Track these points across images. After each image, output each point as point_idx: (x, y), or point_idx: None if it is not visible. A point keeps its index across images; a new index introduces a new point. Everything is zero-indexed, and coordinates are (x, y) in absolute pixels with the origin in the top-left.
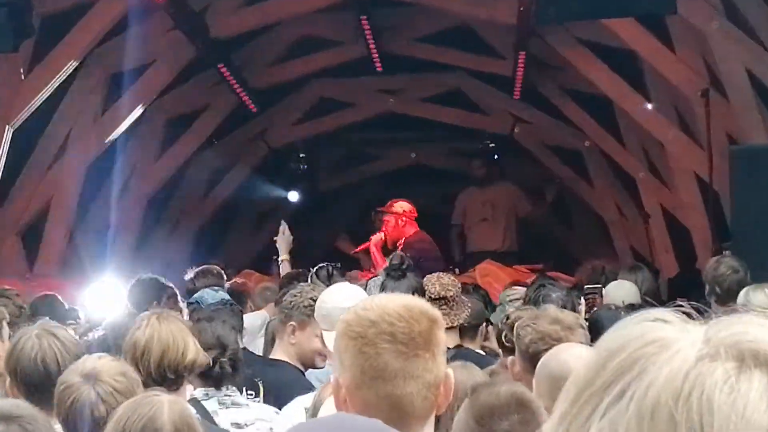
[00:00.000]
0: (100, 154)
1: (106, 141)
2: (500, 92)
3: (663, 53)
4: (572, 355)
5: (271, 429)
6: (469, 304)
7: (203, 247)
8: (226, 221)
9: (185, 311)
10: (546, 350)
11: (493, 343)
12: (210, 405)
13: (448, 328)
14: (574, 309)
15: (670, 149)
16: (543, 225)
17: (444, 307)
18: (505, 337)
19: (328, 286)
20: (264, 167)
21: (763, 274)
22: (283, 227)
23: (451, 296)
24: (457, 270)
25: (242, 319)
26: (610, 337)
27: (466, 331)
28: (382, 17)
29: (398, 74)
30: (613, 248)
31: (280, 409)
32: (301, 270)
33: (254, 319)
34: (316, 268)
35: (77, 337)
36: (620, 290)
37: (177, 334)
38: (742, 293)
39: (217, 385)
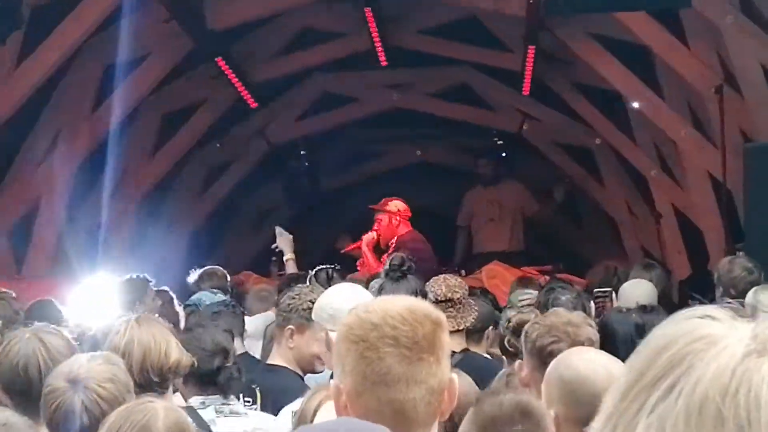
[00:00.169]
0: (92, 151)
1: (99, 137)
2: (508, 87)
3: (676, 48)
4: (583, 360)
5: None
6: (476, 307)
7: (200, 247)
8: (224, 221)
9: (182, 313)
10: (553, 343)
11: (496, 348)
12: (207, 414)
13: (455, 332)
14: (584, 311)
15: (683, 147)
16: (551, 225)
17: (450, 309)
18: (508, 341)
19: (327, 288)
20: (264, 165)
21: None
22: (279, 230)
23: (457, 298)
24: (462, 272)
25: (243, 321)
26: (658, 334)
27: (473, 334)
28: (386, 8)
29: (403, 68)
30: (623, 249)
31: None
32: (301, 272)
33: (259, 322)
34: (315, 270)
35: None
36: (637, 289)
37: (158, 336)
38: (750, 293)
39: (225, 393)
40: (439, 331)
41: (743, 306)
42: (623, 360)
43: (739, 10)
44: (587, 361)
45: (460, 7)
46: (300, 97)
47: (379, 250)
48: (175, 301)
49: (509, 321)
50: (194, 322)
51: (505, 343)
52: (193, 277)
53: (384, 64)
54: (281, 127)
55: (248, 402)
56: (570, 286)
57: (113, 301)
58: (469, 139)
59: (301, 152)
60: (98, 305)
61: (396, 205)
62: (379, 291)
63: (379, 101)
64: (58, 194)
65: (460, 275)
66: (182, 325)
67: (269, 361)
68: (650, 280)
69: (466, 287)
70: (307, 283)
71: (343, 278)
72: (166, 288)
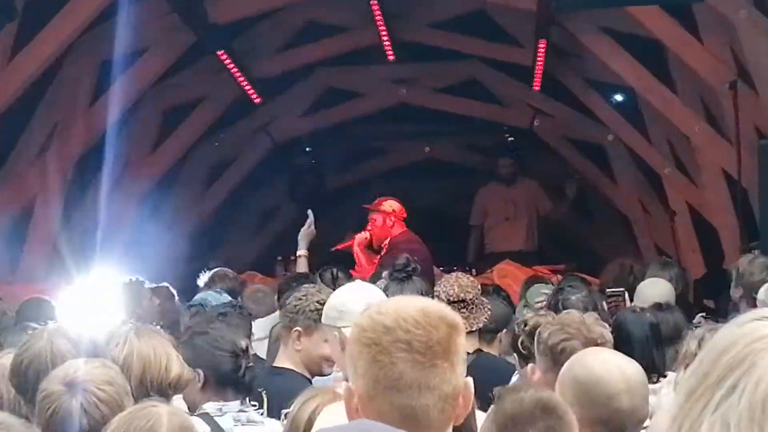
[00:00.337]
0: (90, 148)
1: (96, 133)
2: (519, 83)
3: (689, 43)
4: (598, 360)
5: None
6: (489, 307)
7: (201, 247)
8: (227, 220)
9: (182, 311)
10: (564, 340)
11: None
12: (224, 422)
13: (467, 332)
14: (596, 309)
15: (697, 144)
16: (563, 223)
17: (463, 310)
18: (522, 343)
19: (333, 289)
20: (267, 162)
21: None
22: (310, 219)
23: (470, 299)
24: (473, 271)
25: (250, 323)
26: (720, 336)
27: (486, 334)
28: (393, 2)
29: (411, 63)
30: (637, 247)
31: None
32: (301, 272)
33: (265, 324)
34: (320, 270)
35: None
36: (654, 289)
37: (158, 349)
38: (762, 290)
39: (248, 395)
40: (455, 334)
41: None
42: (638, 359)
43: (752, 5)
44: (601, 362)
45: (469, 1)
46: (304, 92)
47: (371, 250)
48: (176, 298)
49: (525, 323)
50: (201, 322)
51: (519, 344)
52: (203, 279)
53: (391, 58)
54: (285, 124)
55: (254, 406)
56: (580, 285)
57: (109, 304)
58: (479, 136)
59: (306, 149)
60: (93, 306)
61: (391, 204)
62: (384, 292)
63: (385, 97)
64: (53, 193)
65: (471, 274)
66: (182, 322)
67: (275, 364)
68: (669, 279)
69: (479, 287)
70: (319, 282)
71: (349, 278)
72: (165, 284)
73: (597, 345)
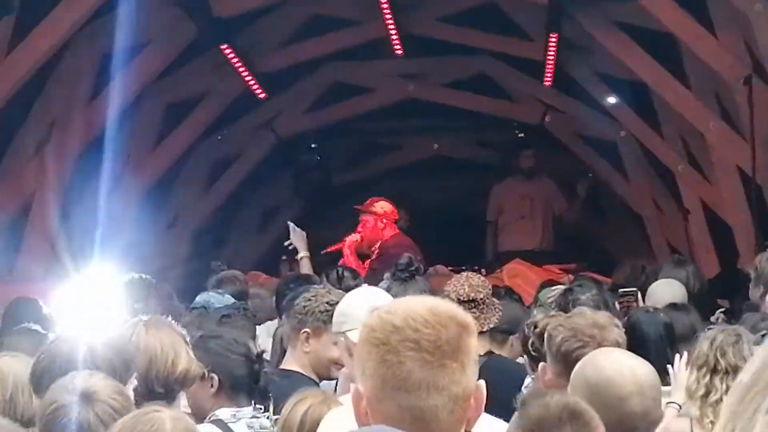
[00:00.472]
0: (89, 144)
1: (96, 129)
2: (530, 78)
3: (703, 37)
4: (609, 361)
5: None
6: (500, 307)
7: (204, 246)
8: (230, 218)
9: (184, 315)
10: (579, 348)
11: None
12: (238, 428)
13: (479, 333)
14: (608, 309)
15: (711, 140)
16: (575, 221)
17: (473, 310)
18: (532, 345)
19: (339, 288)
20: (272, 158)
21: None
22: (292, 226)
23: (481, 298)
24: (483, 270)
25: (255, 325)
26: None
27: (497, 336)
28: None
29: (419, 57)
30: (649, 246)
31: None
32: (300, 274)
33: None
34: (326, 270)
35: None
36: (667, 289)
37: (166, 343)
38: None
39: (262, 399)
40: (465, 335)
41: None
42: (653, 360)
43: None
44: (613, 363)
45: None
46: (310, 87)
47: (362, 253)
48: (174, 298)
49: (536, 325)
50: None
51: (529, 346)
52: (211, 281)
53: (398, 53)
54: (290, 119)
55: (259, 409)
56: (589, 283)
57: (112, 302)
58: (489, 132)
59: (312, 145)
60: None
61: (382, 206)
62: (386, 293)
63: (393, 92)
64: (52, 190)
65: (481, 274)
66: (181, 322)
67: (283, 366)
68: (685, 278)
69: (490, 287)
70: (326, 282)
71: (355, 278)
72: (165, 284)
73: None
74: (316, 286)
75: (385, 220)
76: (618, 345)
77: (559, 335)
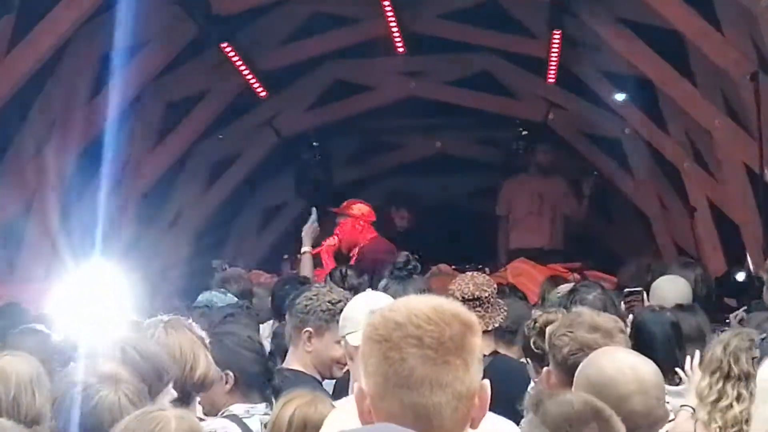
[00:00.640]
0: (89, 143)
1: (96, 128)
2: (533, 75)
3: (709, 34)
4: (611, 361)
5: None
6: (505, 306)
7: (205, 245)
8: (231, 217)
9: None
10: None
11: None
12: (252, 423)
13: (483, 333)
14: (614, 308)
15: (717, 137)
16: (582, 221)
17: (478, 309)
18: (534, 343)
19: (343, 287)
20: (273, 157)
21: None
22: (313, 216)
23: (485, 297)
24: (487, 269)
25: (258, 323)
26: None
27: (503, 335)
28: None
29: (421, 55)
30: (655, 244)
31: None
32: (298, 275)
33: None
34: (330, 270)
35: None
36: (671, 286)
37: (185, 346)
38: None
39: (276, 397)
40: (469, 333)
41: None
42: (661, 360)
43: None
44: (614, 362)
45: None
46: (311, 85)
47: (340, 256)
48: (175, 297)
49: (535, 321)
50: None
51: (531, 344)
52: (216, 280)
53: (400, 50)
54: (291, 118)
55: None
56: (594, 284)
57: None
58: (492, 130)
59: (313, 144)
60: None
61: (359, 208)
62: (384, 291)
63: (395, 90)
64: (52, 190)
65: (484, 273)
66: None
67: (285, 365)
68: (692, 281)
69: (495, 285)
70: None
71: (359, 276)
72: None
73: None
74: (317, 285)
75: (362, 222)
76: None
77: (565, 347)
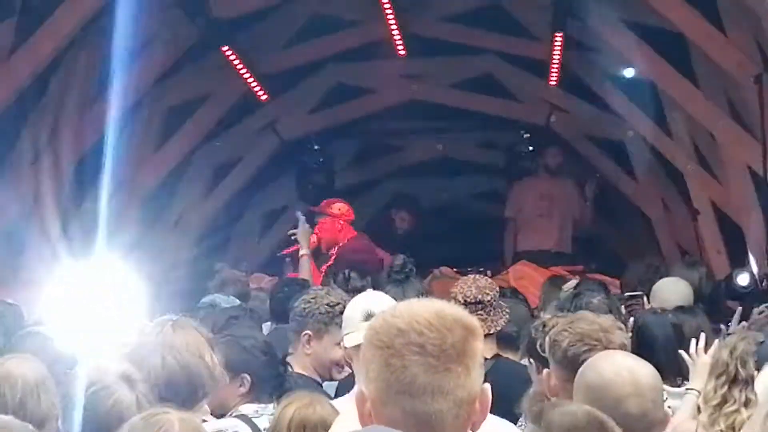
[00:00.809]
0: (91, 148)
1: (97, 133)
2: (535, 77)
3: (713, 35)
4: (609, 363)
5: None
6: (507, 309)
7: (207, 249)
8: (233, 221)
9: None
10: (586, 351)
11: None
12: (261, 423)
13: (485, 336)
14: (618, 312)
15: (721, 140)
16: (585, 224)
17: (480, 312)
18: (541, 346)
19: (346, 291)
20: (274, 161)
21: None
22: (301, 219)
23: (488, 300)
24: (488, 272)
25: (261, 327)
26: None
27: (505, 339)
28: None
29: (422, 58)
30: (658, 247)
31: None
32: (298, 278)
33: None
34: (333, 272)
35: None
36: (672, 288)
37: (192, 347)
38: None
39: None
40: (471, 338)
41: None
42: (663, 362)
43: None
44: (612, 365)
45: None
46: (312, 88)
47: (319, 255)
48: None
49: (544, 325)
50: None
51: (538, 347)
52: (214, 283)
53: (402, 53)
54: (293, 121)
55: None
56: (598, 287)
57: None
58: (494, 133)
59: (314, 147)
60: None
61: (339, 207)
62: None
63: (396, 93)
64: (54, 194)
65: (486, 276)
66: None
67: None
68: (696, 280)
69: (497, 289)
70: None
71: (362, 279)
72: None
73: None
74: (315, 288)
75: (342, 222)
76: (623, 347)
77: (564, 340)
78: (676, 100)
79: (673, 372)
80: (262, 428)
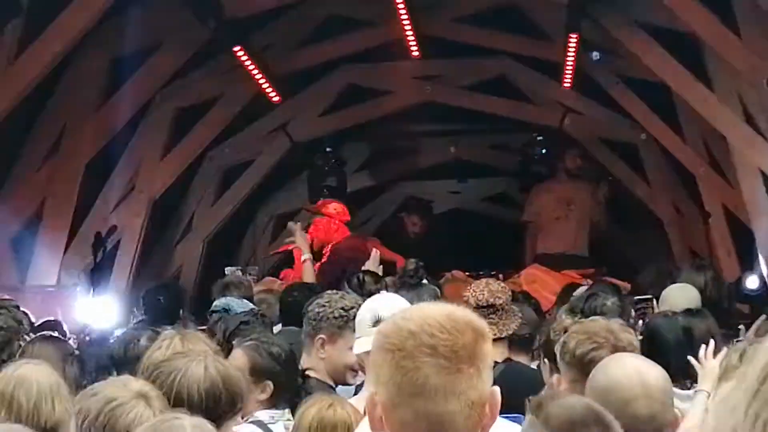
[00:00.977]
0: (100, 150)
1: (107, 135)
2: (549, 79)
3: (727, 38)
4: (618, 365)
5: None
6: (520, 314)
7: (218, 253)
8: (244, 224)
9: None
10: (593, 350)
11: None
12: (277, 429)
13: (497, 340)
14: (628, 315)
15: (734, 143)
16: (602, 228)
17: (492, 316)
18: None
19: (361, 293)
20: (286, 163)
21: None
22: (296, 227)
23: (500, 304)
24: (500, 276)
25: (272, 332)
26: None
27: (516, 342)
28: None
29: (436, 59)
30: (670, 250)
31: None
32: (304, 281)
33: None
34: (347, 276)
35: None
36: (681, 293)
37: None
38: None
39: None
40: (481, 341)
41: None
42: (674, 365)
43: None
44: (620, 367)
45: None
46: (325, 90)
47: (313, 255)
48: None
49: (565, 330)
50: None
51: (555, 349)
52: (217, 287)
53: (415, 54)
54: (305, 123)
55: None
56: (611, 290)
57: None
58: (507, 135)
59: (327, 149)
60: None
61: (335, 207)
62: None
63: (410, 94)
64: (63, 198)
65: (498, 279)
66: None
67: None
68: (704, 282)
69: (510, 293)
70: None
71: (376, 283)
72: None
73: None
74: (329, 292)
75: (337, 222)
76: (632, 346)
77: (572, 341)
78: (689, 103)
79: (683, 375)
80: None
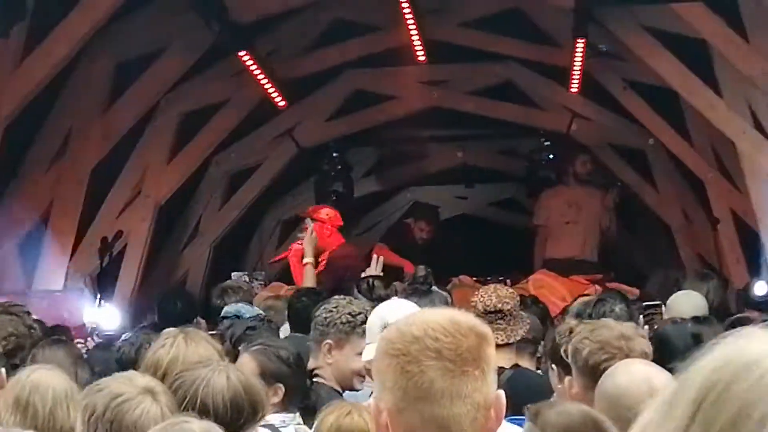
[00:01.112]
0: (105, 155)
1: (112, 139)
2: (556, 85)
3: (735, 42)
4: (626, 372)
5: None
6: (528, 320)
7: (224, 258)
8: (250, 229)
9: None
10: (606, 360)
11: None
12: None
13: (504, 345)
14: (637, 323)
15: (742, 148)
16: (612, 234)
17: (500, 321)
18: (565, 352)
19: (371, 299)
20: (292, 169)
21: None
22: (310, 226)
23: (508, 310)
24: (508, 281)
25: (279, 335)
26: None
27: (524, 348)
28: (424, 0)
29: (443, 64)
30: (678, 256)
31: None
32: (311, 287)
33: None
34: (354, 282)
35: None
36: (687, 300)
37: (204, 357)
38: None
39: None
40: (485, 344)
41: None
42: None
43: None
44: (629, 374)
45: None
46: (331, 95)
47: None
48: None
49: (570, 331)
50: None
51: (562, 353)
52: (216, 292)
53: (422, 59)
54: (311, 128)
55: (283, 421)
56: (620, 296)
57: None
58: (514, 140)
59: (333, 154)
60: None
61: (327, 213)
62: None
63: (416, 100)
64: (69, 202)
65: (506, 284)
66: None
67: None
68: (706, 291)
69: (518, 298)
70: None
71: (386, 288)
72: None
73: None
74: (337, 297)
75: (330, 227)
76: (645, 355)
77: (585, 348)
78: (697, 109)
79: None
80: None
